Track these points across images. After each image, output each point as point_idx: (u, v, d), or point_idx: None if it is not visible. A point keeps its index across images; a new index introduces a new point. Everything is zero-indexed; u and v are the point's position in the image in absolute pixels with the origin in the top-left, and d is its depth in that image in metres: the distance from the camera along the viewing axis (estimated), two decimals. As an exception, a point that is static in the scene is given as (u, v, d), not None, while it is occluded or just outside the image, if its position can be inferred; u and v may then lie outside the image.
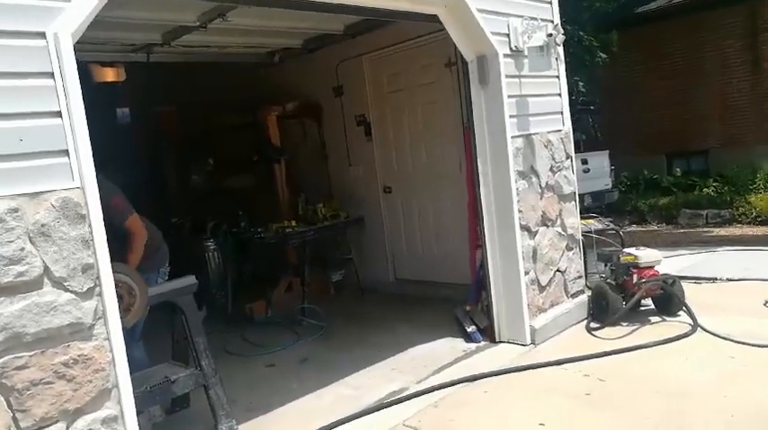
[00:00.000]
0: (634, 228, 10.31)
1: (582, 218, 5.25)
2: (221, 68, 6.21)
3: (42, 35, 2.21)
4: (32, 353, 2.11)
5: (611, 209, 10.51)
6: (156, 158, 7.15)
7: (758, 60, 10.95)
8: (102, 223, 2.34)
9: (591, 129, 10.47)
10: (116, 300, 2.38)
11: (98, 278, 2.28)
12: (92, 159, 2.28)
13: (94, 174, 2.30)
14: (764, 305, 4.62)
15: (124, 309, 2.99)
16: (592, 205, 9.70)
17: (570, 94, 10.35)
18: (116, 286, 2.92)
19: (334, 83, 6.24)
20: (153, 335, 3.74)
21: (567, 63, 10.44)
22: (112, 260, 2.97)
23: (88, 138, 2.27)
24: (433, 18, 4.06)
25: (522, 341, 4.32)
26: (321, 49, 5.92)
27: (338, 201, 6.08)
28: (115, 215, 3.31)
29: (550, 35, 4.41)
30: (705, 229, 9.28)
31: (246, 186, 6.46)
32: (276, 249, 5.75)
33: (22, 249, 2.08)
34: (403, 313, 5.37)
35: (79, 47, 4.68)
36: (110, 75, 5.35)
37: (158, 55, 4.99)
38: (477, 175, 4.36)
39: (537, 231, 4.47)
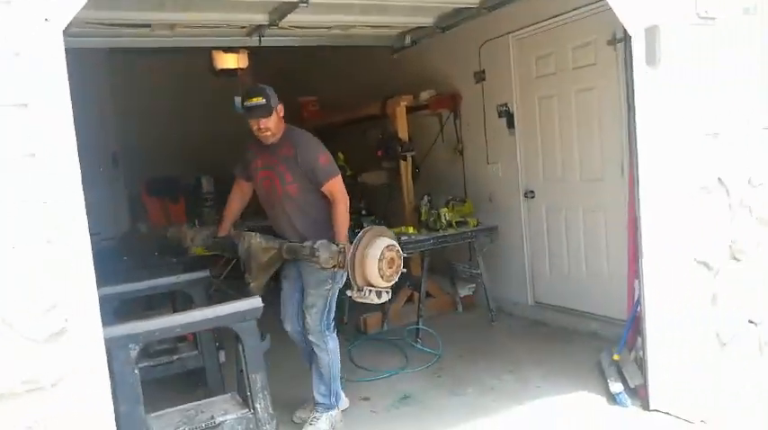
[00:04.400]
0: None
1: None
2: (350, 53, 5.69)
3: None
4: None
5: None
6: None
7: None
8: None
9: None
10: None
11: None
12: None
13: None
14: None
15: (395, 272, 3.06)
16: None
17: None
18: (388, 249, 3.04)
19: (475, 67, 5.38)
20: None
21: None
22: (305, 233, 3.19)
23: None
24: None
25: (685, 415, 3.17)
26: (460, 29, 5.08)
27: (471, 206, 5.24)
28: (319, 174, 3.21)
29: (761, -7, 3.14)
30: None
31: (372, 184, 5.89)
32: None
33: None
34: (536, 350, 4.40)
35: (194, 31, 4.54)
36: (231, 61, 5.08)
37: (272, 38, 4.56)
38: (637, 185, 3.27)
39: (721, 267, 3.26)
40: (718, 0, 3.10)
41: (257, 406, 2.76)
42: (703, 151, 3.19)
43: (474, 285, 5.49)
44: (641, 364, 3.42)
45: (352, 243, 3.15)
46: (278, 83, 6.82)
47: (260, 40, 4.52)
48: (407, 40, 5.32)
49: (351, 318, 5.28)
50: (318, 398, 3.42)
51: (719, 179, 3.23)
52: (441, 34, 5.19)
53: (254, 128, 3.22)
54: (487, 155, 5.41)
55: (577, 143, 4.67)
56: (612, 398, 3.42)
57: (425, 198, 5.06)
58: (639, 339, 3.48)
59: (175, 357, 3.66)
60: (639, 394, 3.38)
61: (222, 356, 3.82)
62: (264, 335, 3.04)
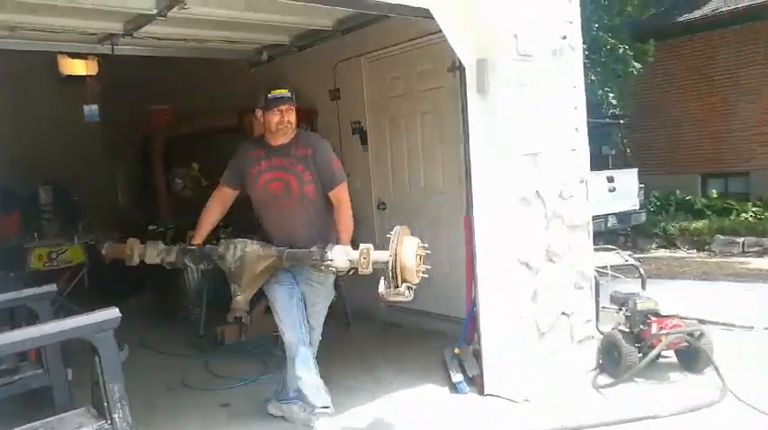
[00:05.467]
0: (661, 253, 9.56)
1: (596, 249, 4.57)
2: (210, 66, 5.71)
3: None
4: None
5: (638, 231, 9.76)
6: (142, 160, 6.71)
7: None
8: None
9: (620, 144, 9.73)
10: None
11: None
12: None
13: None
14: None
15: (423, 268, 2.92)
16: (616, 226, 9.00)
17: (599, 106, 9.73)
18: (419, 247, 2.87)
19: (330, 85, 5.68)
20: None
21: (597, 72, 9.77)
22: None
23: None
24: (425, 13, 3.46)
25: (513, 396, 3.66)
26: (317, 48, 5.35)
27: (328, 216, 5.48)
28: (334, 177, 3.26)
29: (564, 38, 3.76)
30: (741, 260, 8.49)
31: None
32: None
33: None
34: (390, 350, 4.74)
35: (43, 35, 4.32)
36: (79, 67, 4.88)
37: (126, 47, 4.47)
38: (471, 199, 3.74)
39: (539, 267, 3.81)
40: (532, 41, 3.66)
41: (115, 416, 2.73)
42: (524, 168, 3.73)
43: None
44: (478, 356, 3.87)
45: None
46: (130, 91, 6.69)
47: (113, 49, 4.42)
48: (264, 55, 5.47)
49: (206, 331, 5.27)
50: (298, 400, 3.46)
51: (537, 192, 3.79)
52: (297, 53, 5.42)
53: (276, 120, 3.16)
54: (343, 169, 5.69)
55: (423, 159, 5.14)
56: (454, 387, 3.84)
57: (285, 208, 5.21)
58: (476, 334, 3.94)
59: (17, 377, 3.46)
60: (476, 382, 3.83)
61: (69, 374, 3.68)
62: (122, 346, 3.03)
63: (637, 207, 9.18)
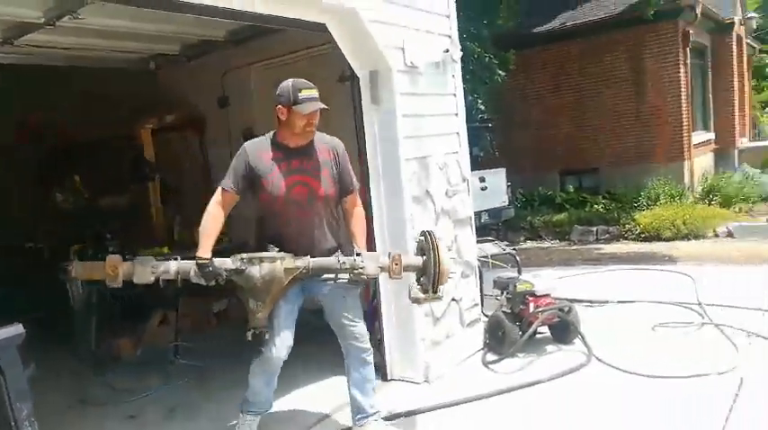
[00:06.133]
0: (529, 244, 10.48)
1: (477, 241, 5.07)
2: (94, 74, 5.51)
3: None
4: None
5: (508, 225, 10.62)
6: (16, 173, 6.29)
7: (641, 83, 11.57)
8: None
9: (489, 146, 10.54)
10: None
11: None
12: None
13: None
14: (653, 329, 4.65)
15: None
16: (489, 222, 9.74)
17: (470, 111, 10.48)
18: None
19: (219, 93, 5.73)
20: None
21: (466, 80, 10.52)
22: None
23: None
24: (322, 27, 3.71)
25: (414, 379, 4.02)
26: (206, 57, 5.40)
27: (224, 225, 5.52)
28: (353, 180, 3.19)
29: (447, 51, 4.18)
30: (596, 246, 9.57)
31: (118, 207, 5.78)
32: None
33: None
34: (296, 348, 4.90)
35: None
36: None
37: (3, 56, 4.26)
38: (369, 200, 4.03)
39: (432, 259, 4.19)
40: (419, 55, 4.04)
41: (26, 434, 2.69)
42: (416, 170, 4.09)
43: (226, 300, 5.76)
44: (379, 345, 4.17)
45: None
46: (5, 100, 6.19)
47: (-13, 57, 4.19)
48: (151, 64, 5.42)
49: (99, 346, 5.11)
50: (376, 406, 3.33)
51: (427, 191, 4.18)
52: (185, 62, 5.42)
53: (303, 123, 2.94)
54: (235, 175, 5.77)
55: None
56: (360, 376, 4.10)
57: (177, 218, 5.20)
58: (377, 324, 4.23)
59: None
60: (380, 369, 4.12)
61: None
62: (29, 363, 2.94)
63: (506, 203, 9.98)
